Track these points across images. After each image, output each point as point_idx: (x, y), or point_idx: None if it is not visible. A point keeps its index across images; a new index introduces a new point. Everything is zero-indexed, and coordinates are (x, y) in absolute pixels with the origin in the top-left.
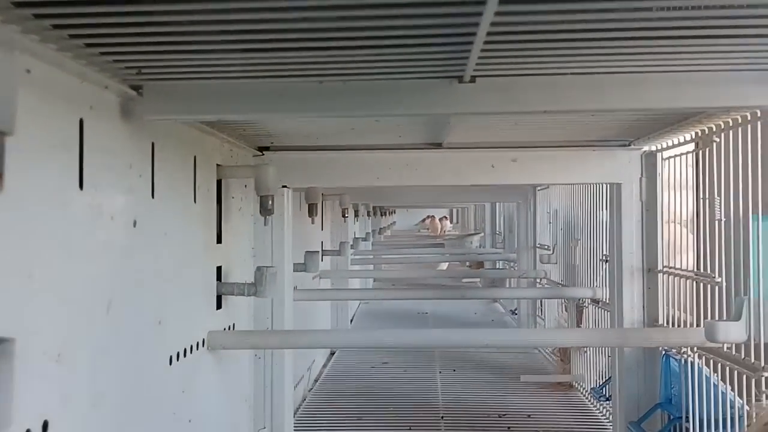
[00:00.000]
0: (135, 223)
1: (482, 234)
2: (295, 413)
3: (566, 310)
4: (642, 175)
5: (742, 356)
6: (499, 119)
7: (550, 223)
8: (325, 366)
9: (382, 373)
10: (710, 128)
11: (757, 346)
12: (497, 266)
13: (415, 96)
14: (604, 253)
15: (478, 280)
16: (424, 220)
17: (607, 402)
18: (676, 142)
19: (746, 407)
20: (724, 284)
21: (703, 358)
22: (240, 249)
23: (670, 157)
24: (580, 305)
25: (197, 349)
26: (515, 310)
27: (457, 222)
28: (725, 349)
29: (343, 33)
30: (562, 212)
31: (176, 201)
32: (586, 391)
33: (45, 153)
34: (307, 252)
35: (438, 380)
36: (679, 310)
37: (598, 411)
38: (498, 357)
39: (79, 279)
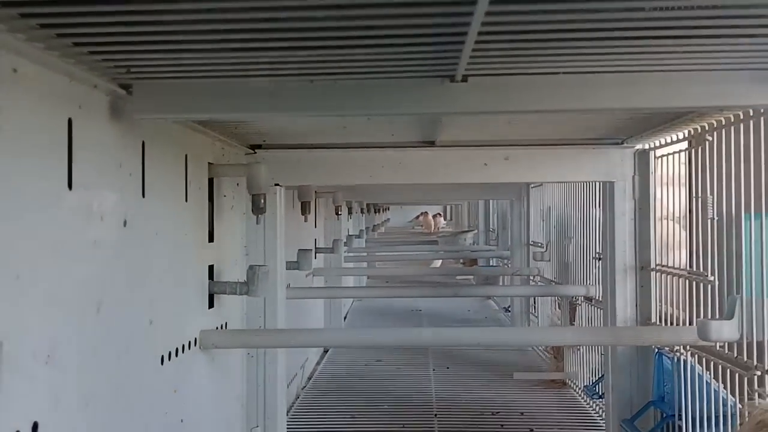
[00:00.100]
0: (125, 223)
1: (476, 231)
2: (288, 411)
3: (559, 308)
4: (635, 173)
5: (735, 355)
6: (491, 118)
7: (543, 220)
8: (318, 364)
9: (375, 371)
10: (703, 127)
11: (749, 345)
12: (491, 263)
13: (407, 95)
14: (597, 250)
15: (471, 277)
16: (417, 216)
17: (600, 399)
18: (668, 140)
19: (739, 406)
20: (717, 283)
21: (696, 356)
22: (232, 248)
23: (662, 156)
24: (573, 303)
25: (189, 348)
26: (509, 307)
27: (451, 219)
28: (718, 348)
29: (334, 32)
30: (555, 210)
31: (167, 200)
32: (579, 389)
33: (33, 153)
34: (300, 250)
35: (431, 378)
36: (672, 306)
37: (591, 409)
38: (491, 354)
39: (69, 279)
